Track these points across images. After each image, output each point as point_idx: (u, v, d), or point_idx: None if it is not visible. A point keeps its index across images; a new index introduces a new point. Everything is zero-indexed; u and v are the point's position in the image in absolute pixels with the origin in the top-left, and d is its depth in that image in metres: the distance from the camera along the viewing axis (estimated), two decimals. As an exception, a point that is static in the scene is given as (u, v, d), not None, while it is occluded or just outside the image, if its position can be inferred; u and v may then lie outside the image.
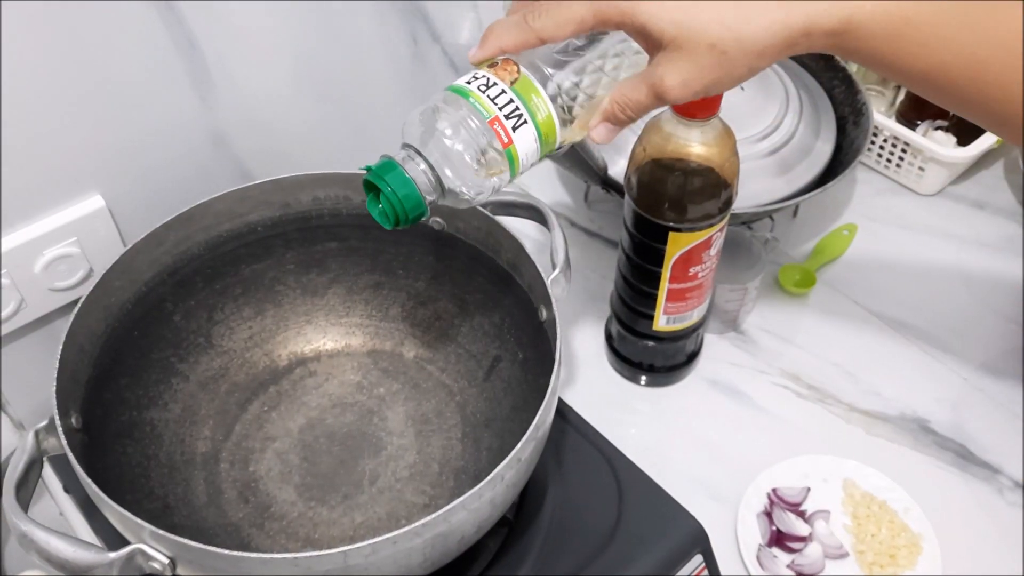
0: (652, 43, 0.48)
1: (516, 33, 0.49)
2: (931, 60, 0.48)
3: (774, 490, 0.68)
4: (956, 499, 0.69)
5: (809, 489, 0.68)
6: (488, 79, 0.49)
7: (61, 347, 0.54)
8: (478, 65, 0.50)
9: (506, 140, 0.48)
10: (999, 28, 0.47)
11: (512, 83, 0.49)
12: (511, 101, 0.48)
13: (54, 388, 0.52)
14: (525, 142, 0.49)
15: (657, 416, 0.74)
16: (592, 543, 0.60)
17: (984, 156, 0.91)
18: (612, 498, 0.63)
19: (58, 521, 0.67)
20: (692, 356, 0.76)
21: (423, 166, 0.48)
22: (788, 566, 0.64)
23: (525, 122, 0.49)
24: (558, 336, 0.55)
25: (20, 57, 0.57)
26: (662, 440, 0.72)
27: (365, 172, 0.50)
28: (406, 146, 0.49)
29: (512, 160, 0.49)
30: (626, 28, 0.48)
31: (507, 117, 0.48)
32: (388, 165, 0.49)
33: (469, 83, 0.49)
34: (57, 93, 0.60)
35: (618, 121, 0.51)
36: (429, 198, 0.49)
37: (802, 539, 0.65)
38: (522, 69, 0.49)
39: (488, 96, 0.48)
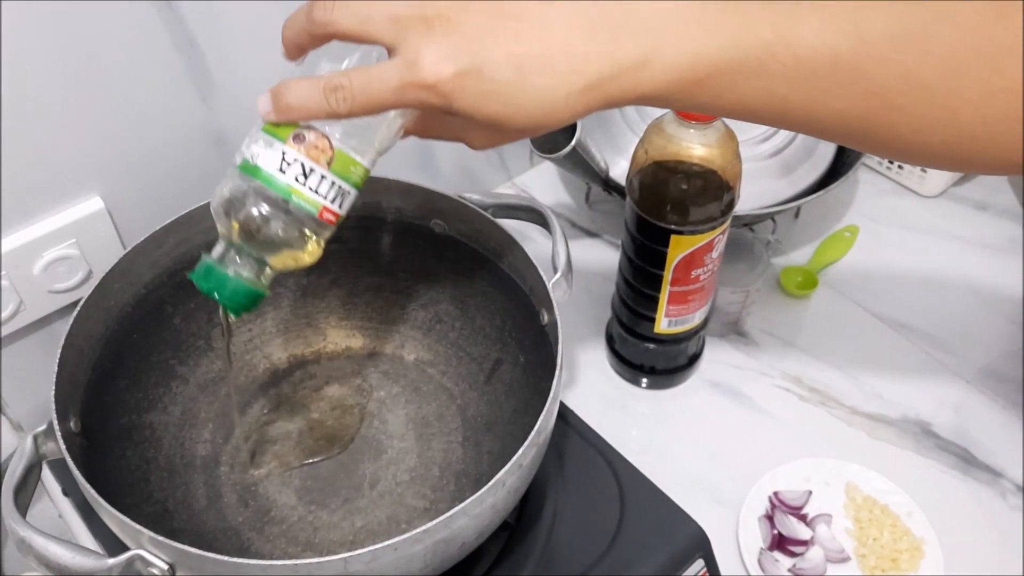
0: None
1: (320, 106, 0.43)
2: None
3: (776, 493, 0.67)
4: (958, 503, 0.69)
5: (811, 493, 0.68)
6: (303, 165, 0.44)
7: (60, 350, 0.54)
8: (275, 132, 0.45)
9: (333, 217, 0.46)
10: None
11: (329, 164, 0.45)
12: (333, 184, 0.45)
13: (53, 392, 0.52)
14: (349, 202, 0.47)
15: (658, 418, 0.74)
16: (593, 547, 0.60)
17: (987, 157, 0.90)
18: (613, 501, 0.63)
19: (57, 524, 0.67)
20: (694, 358, 0.76)
21: (243, 259, 0.46)
22: (789, 570, 0.64)
23: (348, 193, 0.46)
24: (560, 340, 0.55)
25: (20, 58, 0.57)
26: (663, 443, 0.72)
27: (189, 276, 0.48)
28: (224, 242, 0.47)
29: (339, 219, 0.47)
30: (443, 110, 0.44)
31: (332, 201, 0.46)
32: (208, 270, 0.47)
33: (283, 171, 0.44)
34: (57, 94, 0.60)
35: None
36: (264, 280, 0.48)
37: (804, 543, 0.65)
38: (335, 143, 0.45)
39: (309, 188, 0.44)
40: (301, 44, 0.46)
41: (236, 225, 0.45)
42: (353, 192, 0.47)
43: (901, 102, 0.43)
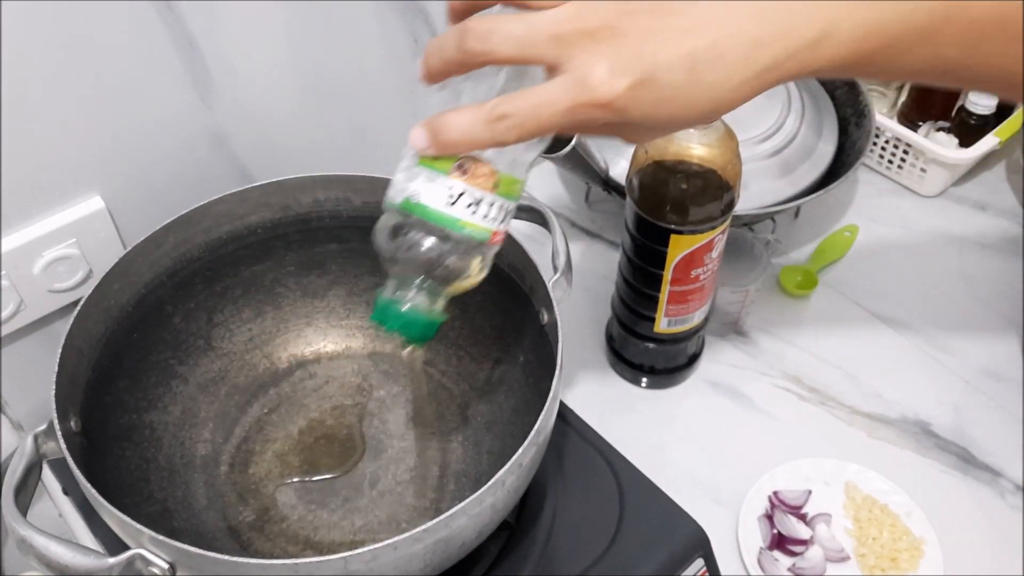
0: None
1: (484, 138, 0.42)
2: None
3: (775, 493, 0.67)
4: (958, 502, 0.69)
5: (810, 492, 0.68)
6: (472, 195, 0.43)
7: (60, 350, 0.54)
8: (434, 166, 0.43)
9: (502, 238, 0.46)
10: None
11: (495, 188, 0.44)
12: (501, 207, 0.44)
13: (53, 392, 0.52)
14: (512, 215, 0.47)
15: (657, 418, 0.74)
16: (593, 546, 0.60)
17: (986, 157, 0.91)
18: (613, 501, 0.63)
19: (57, 523, 0.67)
20: (693, 358, 0.76)
21: (417, 292, 0.46)
22: (789, 569, 0.64)
23: (512, 210, 0.46)
24: (559, 340, 0.55)
25: (19, 57, 0.57)
26: (663, 442, 0.72)
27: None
28: (395, 279, 0.47)
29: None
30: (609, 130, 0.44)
31: (501, 222, 0.45)
32: (386, 310, 0.47)
33: (452, 204, 0.43)
34: (56, 93, 0.60)
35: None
36: (440, 305, 0.48)
37: (803, 542, 0.65)
38: (497, 167, 0.44)
39: (480, 216, 0.44)
40: (449, 72, 0.44)
41: (403, 262, 0.45)
42: (515, 206, 0.46)
43: None
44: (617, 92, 0.40)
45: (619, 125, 0.43)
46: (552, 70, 0.41)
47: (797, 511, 0.67)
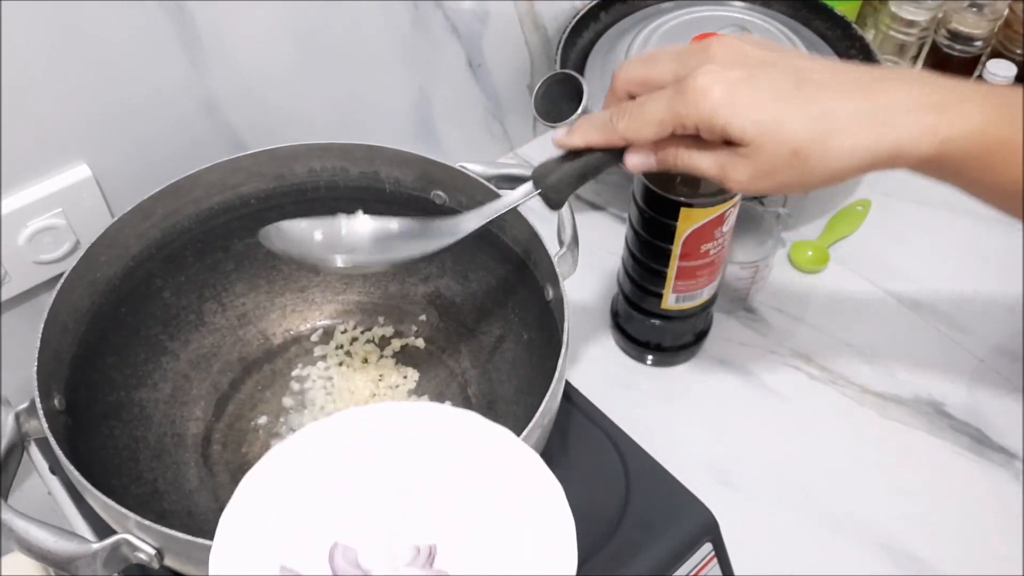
0: (731, 142, 0.47)
1: (602, 132, 0.50)
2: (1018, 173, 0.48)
3: None
4: (971, 484, 0.67)
5: None
6: None
7: (43, 324, 0.52)
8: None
9: None
10: None
11: None
12: None
13: (35, 368, 0.50)
14: None
15: (664, 397, 0.72)
16: (598, 530, 0.58)
17: (1003, 130, 0.88)
18: (619, 483, 0.61)
19: (46, 501, 0.65)
20: (701, 335, 0.74)
21: None
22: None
23: None
24: (566, 317, 0.53)
25: (1, 22, 0.54)
26: (668, 422, 0.70)
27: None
28: None
29: None
30: (704, 131, 0.47)
31: None
32: None
33: None
34: (40, 57, 0.57)
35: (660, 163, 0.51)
36: None
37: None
38: None
39: None
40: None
41: None
42: None
43: None
44: (709, 86, 0.46)
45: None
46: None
47: None
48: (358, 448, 0.38)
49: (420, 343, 0.68)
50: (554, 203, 0.53)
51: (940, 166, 0.47)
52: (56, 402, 0.51)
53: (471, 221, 0.53)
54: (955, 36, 0.89)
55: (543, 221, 0.59)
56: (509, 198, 0.54)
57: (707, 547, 0.59)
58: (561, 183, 0.52)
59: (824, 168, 0.46)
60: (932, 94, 0.47)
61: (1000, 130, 0.47)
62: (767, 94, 0.46)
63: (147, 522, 0.44)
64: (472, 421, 0.38)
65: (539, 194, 0.53)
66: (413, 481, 0.37)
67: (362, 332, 0.69)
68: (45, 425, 0.48)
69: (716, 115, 0.46)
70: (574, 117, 0.70)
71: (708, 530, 0.59)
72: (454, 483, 0.37)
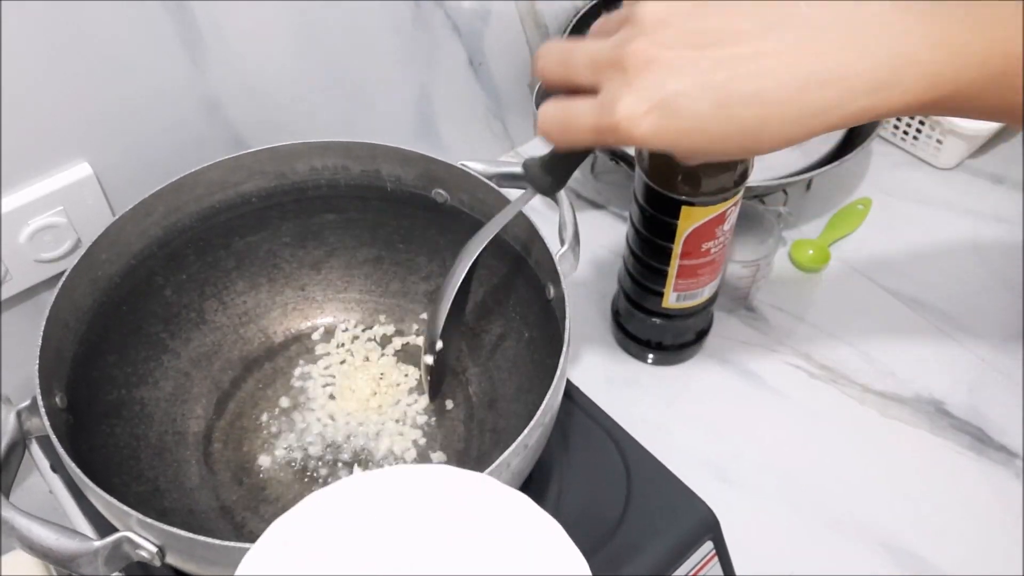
0: None
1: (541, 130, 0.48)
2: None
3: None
4: (972, 484, 0.67)
5: None
6: None
7: (44, 323, 0.52)
8: None
9: None
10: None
11: None
12: None
13: (37, 366, 0.50)
14: None
15: (664, 396, 0.72)
16: (599, 528, 0.58)
17: (1003, 129, 0.88)
18: (619, 481, 0.61)
19: (48, 499, 0.65)
20: (702, 334, 0.74)
21: None
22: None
23: None
24: (567, 315, 0.53)
25: (1, 20, 0.54)
26: (669, 420, 0.70)
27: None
28: None
29: None
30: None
31: None
32: None
33: None
34: (41, 56, 0.57)
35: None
36: None
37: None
38: None
39: None
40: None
41: None
42: None
43: None
44: (634, 119, 0.41)
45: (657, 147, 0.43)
46: (594, 93, 0.43)
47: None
48: (368, 517, 0.35)
49: (421, 341, 0.68)
50: (548, 191, 0.53)
51: (927, 109, 0.43)
52: (57, 400, 0.51)
53: (481, 239, 0.55)
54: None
55: (544, 219, 0.59)
56: (510, 208, 0.54)
57: (708, 546, 0.59)
58: (552, 174, 0.53)
59: (771, 147, 0.42)
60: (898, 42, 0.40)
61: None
62: (697, 114, 0.41)
63: (149, 520, 0.44)
64: (489, 486, 0.36)
65: (535, 188, 0.53)
66: (425, 549, 0.34)
67: (363, 330, 0.69)
68: (47, 423, 0.48)
69: (648, 145, 0.42)
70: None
71: (709, 528, 0.59)
72: (468, 551, 0.34)
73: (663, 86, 0.40)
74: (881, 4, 0.41)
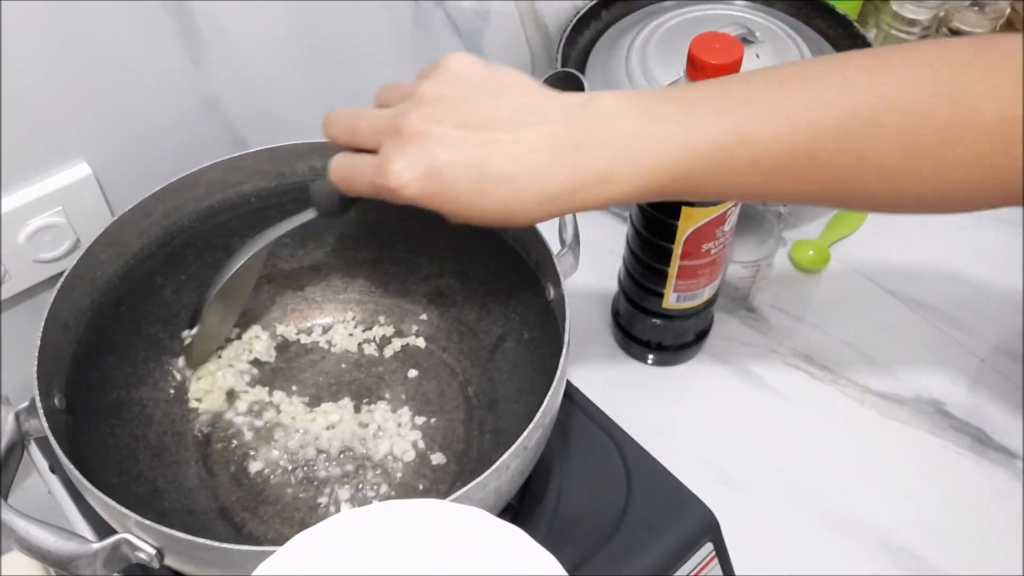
0: None
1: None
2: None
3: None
4: (972, 485, 0.67)
5: None
6: None
7: (43, 323, 0.52)
8: None
9: None
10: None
11: None
12: None
13: (35, 367, 0.50)
14: None
15: (664, 396, 0.72)
16: (599, 529, 0.58)
17: (1004, 129, 0.88)
18: (619, 482, 0.61)
19: (47, 500, 0.65)
20: (702, 335, 0.74)
21: None
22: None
23: None
24: (567, 316, 0.53)
25: (1, 20, 0.54)
26: (669, 421, 0.70)
27: None
28: None
29: None
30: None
31: None
32: None
33: None
34: (41, 55, 0.57)
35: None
36: None
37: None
38: None
39: None
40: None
41: None
42: None
43: (861, 181, 0.47)
44: (403, 182, 0.46)
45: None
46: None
47: None
48: (357, 556, 0.34)
49: (421, 342, 0.68)
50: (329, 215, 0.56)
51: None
52: (56, 401, 0.51)
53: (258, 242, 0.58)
54: (956, 35, 0.89)
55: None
56: (286, 223, 0.57)
57: (708, 547, 0.59)
58: (333, 202, 0.54)
59: (521, 222, 0.48)
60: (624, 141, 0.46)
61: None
62: (458, 184, 0.46)
63: (147, 521, 0.44)
64: (482, 520, 0.35)
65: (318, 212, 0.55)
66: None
67: (363, 331, 0.69)
68: (45, 424, 0.48)
69: (417, 204, 0.47)
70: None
71: (709, 530, 0.59)
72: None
73: (432, 156, 0.46)
74: (611, 102, 0.47)
